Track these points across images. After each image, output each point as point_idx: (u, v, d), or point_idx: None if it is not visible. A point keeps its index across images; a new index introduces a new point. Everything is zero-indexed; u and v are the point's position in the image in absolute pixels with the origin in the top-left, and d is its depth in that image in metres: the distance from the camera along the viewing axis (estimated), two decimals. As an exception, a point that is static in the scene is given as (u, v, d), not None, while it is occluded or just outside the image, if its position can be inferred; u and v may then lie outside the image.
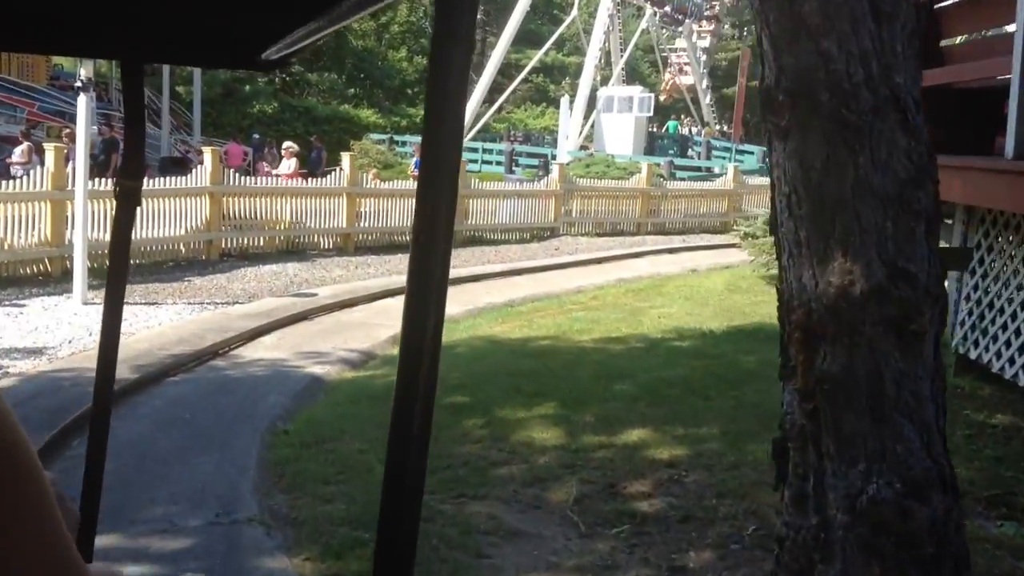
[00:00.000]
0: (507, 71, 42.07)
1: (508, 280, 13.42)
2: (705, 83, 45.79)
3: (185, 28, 1.16)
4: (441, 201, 0.68)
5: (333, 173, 16.26)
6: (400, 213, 16.76)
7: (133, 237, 1.38)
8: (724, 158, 38.26)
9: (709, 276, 14.01)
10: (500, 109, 43.25)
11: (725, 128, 45.58)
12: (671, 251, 16.71)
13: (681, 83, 45.26)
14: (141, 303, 10.63)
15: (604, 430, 5.57)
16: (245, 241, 14.67)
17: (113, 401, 1.57)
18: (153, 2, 1.03)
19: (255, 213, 14.72)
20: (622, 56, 40.48)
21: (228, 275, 12.92)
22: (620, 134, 36.43)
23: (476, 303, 11.53)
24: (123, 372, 7.12)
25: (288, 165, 17.88)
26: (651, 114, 37.91)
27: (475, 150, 35.70)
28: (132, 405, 6.54)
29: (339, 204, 15.89)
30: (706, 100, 45.53)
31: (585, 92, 36.62)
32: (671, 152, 38.80)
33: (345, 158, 16.48)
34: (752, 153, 37.31)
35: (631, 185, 21.26)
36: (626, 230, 20.83)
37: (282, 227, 15.16)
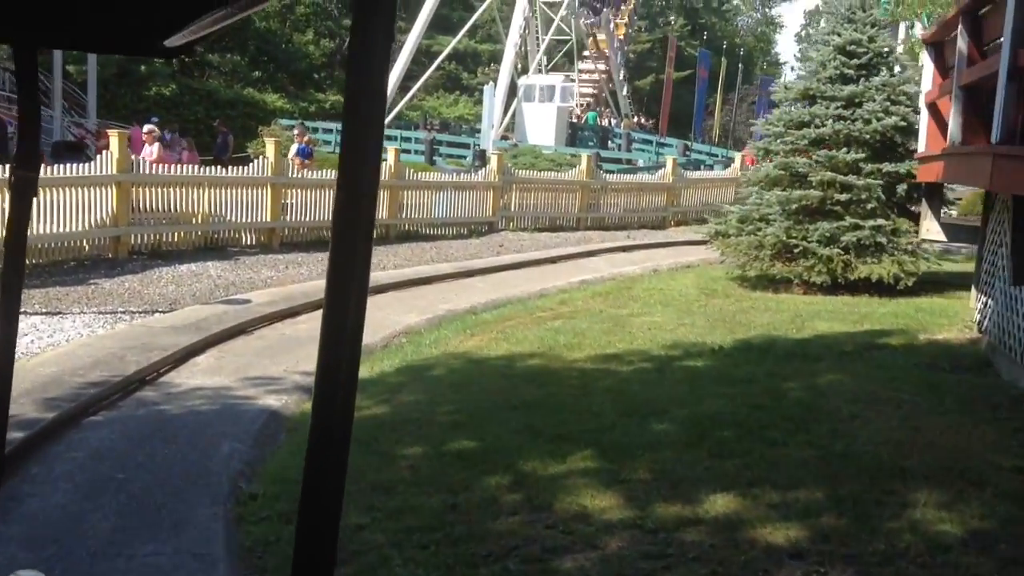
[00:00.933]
0: (419, 58, 40.51)
1: (461, 282, 12.15)
2: (622, 74, 45.21)
3: (84, 10, 1.11)
4: (363, 192, 0.66)
5: (256, 161, 14.63)
6: (329, 206, 15.27)
7: (28, 233, 1.30)
8: (645, 151, 37.78)
9: (675, 277, 13.05)
10: (412, 97, 41.64)
11: (642, 120, 45.07)
12: (624, 249, 15.72)
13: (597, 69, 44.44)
14: (42, 312, 8.97)
15: (673, 494, 4.41)
16: (157, 237, 12.97)
17: (6, 448, 1.24)
18: None
19: (168, 205, 13.04)
20: (540, 44, 39.43)
21: (141, 277, 11.27)
22: (542, 124, 35.39)
23: (434, 310, 10.24)
24: (27, 408, 5.60)
25: (150, 151, 14.99)
26: (573, 104, 36.99)
27: (393, 139, 34.12)
28: (45, 459, 5.06)
29: (263, 195, 14.31)
30: (623, 92, 44.95)
31: (505, 80, 35.38)
32: (591, 144, 38.03)
33: (268, 144, 14.88)
34: (671, 146, 36.85)
35: (571, 178, 20.19)
36: (566, 225, 19.77)
37: (198, 221, 13.50)
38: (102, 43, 1.28)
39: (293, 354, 7.93)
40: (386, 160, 17.02)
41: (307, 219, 14.98)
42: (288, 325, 9.16)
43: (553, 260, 14.11)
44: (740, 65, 48.34)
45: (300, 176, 15.07)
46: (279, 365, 7.55)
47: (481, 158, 23.98)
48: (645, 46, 57.75)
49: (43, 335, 8.09)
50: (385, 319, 9.39)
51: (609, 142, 38.24)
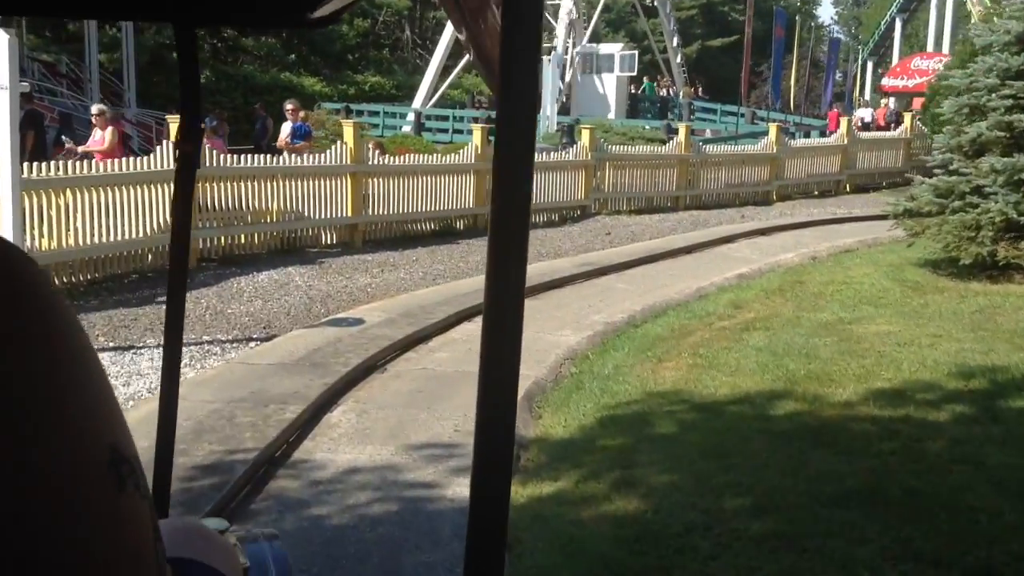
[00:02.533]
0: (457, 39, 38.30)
1: (595, 283, 10.06)
2: (676, 41, 42.70)
3: None
4: (519, 185, 0.62)
5: (333, 148, 12.58)
6: (413, 196, 13.24)
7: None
8: (708, 120, 35.40)
9: (847, 265, 10.88)
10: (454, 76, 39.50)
11: (699, 89, 42.56)
12: (763, 232, 13.51)
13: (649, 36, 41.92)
14: (109, 347, 7.02)
15: None
16: (229, 240, 11.00)
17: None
18: None
19: (237, 202, 11.05)
20: (595, 9, 37.01)
21: (217, 290, 9.30)
22: (601, 96, 33.12)
23: (587, 323, 8.17)
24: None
25: (103, 137, 12.04)
26: (634, 73, 34.66)
27: (445, 118, 32.03)
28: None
29: (342, 187, 12.30)
30: (677, 60, 42.45)
31: (560, 50, 33.06)
32: (650, 115, 35.74)
33: (347, 128, 12.81)
34: (738, 114, 34.41)
35: (667, 151, 17.99)
36: (663, 205, 17.63)
37: (272, 219, 11.51)
38: (252, 18, 1.29)
39: (451, 400, 5.89)
40: (471, 141, 14.97)
41: (390, 212, 12.96)
42: (423, 355, 7.12)
43: (688, 250, 11.97)
44: (797, 28, 45.60)
45: (380, 163, 13.01)
46: (443, 420, 5.51)
47: (569, 133, 21.78)
48: (690, 12, 55.23)
49: (117, 382, 6.13)
50: (536, 339, 7.35)
51: (669, 113, 35.92)
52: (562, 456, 4.97)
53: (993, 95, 9.29)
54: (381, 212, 12.85)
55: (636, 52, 34.79)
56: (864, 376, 6.11)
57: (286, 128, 14.11)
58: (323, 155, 12.35)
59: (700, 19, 58.36)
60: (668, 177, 17.73)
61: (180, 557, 0.75)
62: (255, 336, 7.61)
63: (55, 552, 0.36)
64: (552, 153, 16.61)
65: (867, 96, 46.84)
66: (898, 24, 49.89)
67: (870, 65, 49.28)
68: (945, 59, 41.23)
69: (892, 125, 27.94)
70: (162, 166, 9.85)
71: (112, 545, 0.39)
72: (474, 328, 7.96)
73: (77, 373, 0.40)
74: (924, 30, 54.92)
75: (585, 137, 16.42)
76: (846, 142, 21.14)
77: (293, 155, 12.31)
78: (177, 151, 1.29)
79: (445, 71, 36.38)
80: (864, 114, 26.56)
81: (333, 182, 12.19)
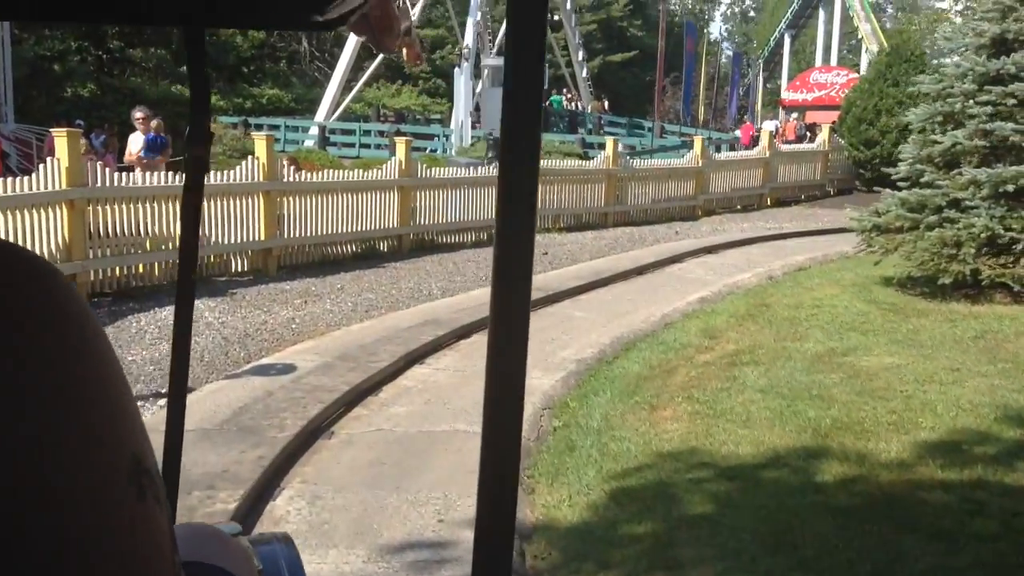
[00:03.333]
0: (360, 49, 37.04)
1: (550, 312, 9.06)
2: (581, 55, 42.36)
3: None
4: (523, 200, 0.63)
5: (243, 164, 11.24)
6: (333, 216, 12.01)
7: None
8: (617, 135, 34.99)
9: (810, 286, 10.18)
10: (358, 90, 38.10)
11: (606, 103, 42.25)
12: (708, 250, 12.74)
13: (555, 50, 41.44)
14: None
15: None
16: (124, 270, 9.56)
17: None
18: None
19: (132, 227, 9.63)
20: (501, 24, 36.23)
21: (114, 331, 7.91)
22: (511, 110, 32.16)
23: (555, 361, 7.15)
24: None
25: None
26: (544, 87, 33.91)
27: (351, 132, 30.63)
28: None
29: (254, 207, 10.99)
30: (583, 74, 42.11)
31: (468, 64, 32.13)
32: (558, 129, 35.11)
33: (259, 142, 11.49)
34: (644, 129, 34.10)
35: (596, 166, 17.18)
36: (592, 222, 16.81)
37: (173, 245, 10.10)
38: (260, 20, 1.29)
39: (423, 475, 4.76)
40: (394, 156, 13.79)
41: (308, 234, 11.70)
42: (375, 410, 5.96)
43: (639, 271, 11.10)
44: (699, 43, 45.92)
45: (298, 180, 11.72)
46: (420, 506, 4.38)
47: (495, 148, 20.77)
48: (590, 27, 55.18)
49: None
50: (503, 384, 6.25)
51: (579, 127, 35.39)
52: (580, 551, 3.91)
53: (971, 101, 8.71)
54: (298, 234, 11.57)
55: (545, 65, 34.06)
56: (901, 425, 5.26)
57: (136, 141, 12.32)
58: (232, 172, 11.00)
59: (599, 34, 58.38)
60: (596, 193, 16.93)
61: (196, 561, 0.73)
62: (164, 391, 6.30)
63: (78, 559, 0.37)
64: (480, 168, 15.56)
65: (758, 110, 47.46)
66: (787, 40, 50.94)
67: (760, 80, 50.09)
68: (845, 72, 42.24)
69: (804, 139, 27.98)
70: (46, 186, 8.40)
71: (133, 553, 0.39)
72: (428, 373, 6.84)
73: (102, 383, 0.41)
74: (811, 45, 56.39)
75: (512, 151, 15.41)
76: (768, 155, 20.80)
77: (149, 173, 10.55)
78: (186, 155, 1.27)
79: (348, 85, 35.03)
80: (770, 127, 26.53)
81: (244, 202, 10.87)
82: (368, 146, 29.97)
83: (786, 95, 43.69)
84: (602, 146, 31.76)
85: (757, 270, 11.13)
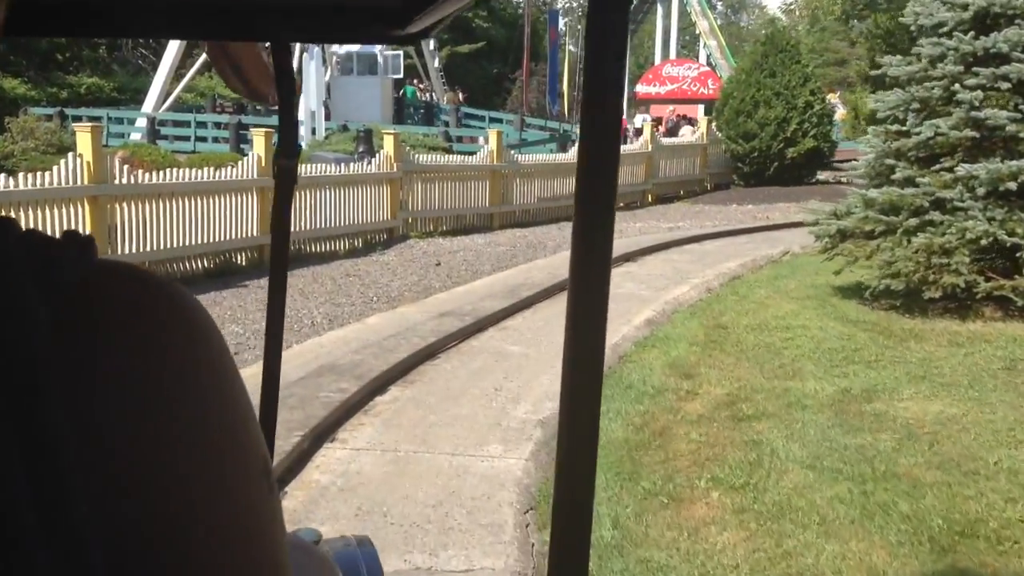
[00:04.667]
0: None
1: (478, 346, 7.26)
2: (432, 45, 40.48)
3: (333, 3, 1.16)
4: (603, 203, 0.58)
5: (63, 163, 8.80)
6: (179, 225, 9.76)
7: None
8: (476, 127, 33.45)
9: (767, 301, 8.80)
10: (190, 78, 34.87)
11: (461, 95, 40.56)
12: (628, 258, 11.18)
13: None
14: None
15: None
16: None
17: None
18: None
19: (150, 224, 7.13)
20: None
21: None
22: (364, 100, 30.02)
23: (510, 421, 5.37)
24: None
25: None
26: (400, 76, 31.92)
27: (186, 124, 27.58)
28: None
29: (78, 216, 8.63)
30: (435, 64, 40.26)
31: (318, 49, 29.62)
32: (415, 120, 33.17)
33: (81, 136, 9.04)
34: (505, 122, 32.68)
35: (480, 162, 15.42)
36: (476, 224, 15.08)
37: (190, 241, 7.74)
38: (345, 35, 1.26)
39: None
40: (251, 152, 11.56)
41: (147, 249, 9.40)
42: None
43: (562, 286, 9.40)
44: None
45: (134, 182, 9.37)
46: None
47: (367, 140, 18.55)
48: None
49: None
50: (459, 467, 4.49)
51: (434, 119, 33.57)
52: None
53: (957, 85, 7.50)
54: (135, 249, 9.25)
55: (401, 53, 32.02)
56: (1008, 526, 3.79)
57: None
58: (49, 174, 8.56)
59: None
60: (480, 192, 15.19)
61: None
62: None
63: (235, 544, 0.41)
64: (351, 165, 13.49)
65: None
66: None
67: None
68: (696, 66, 42.23)
69: (676, 132, 27.18)
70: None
71: (269, 539, 0.44)
72: (346, 457, 4.89)
73: (239, 394, 0.45)
74: (648, 40, 56.80)
75: (389, 145, 13.47)
76: (650, 149, 19.65)
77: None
78: (275, 167, 1.29)
79: (178, 73, 31.81)
80: (638, 121, 25.66)
81: (64, 210, 8.49)
82: (205, 139, 27.08)
83: (640, 88, 43.30)
84: (460, 139, 30.26)
85: (692, 281, 9.68)
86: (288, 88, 1.27)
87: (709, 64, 41.53)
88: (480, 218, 15.26)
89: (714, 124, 22.41)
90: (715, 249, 11.96)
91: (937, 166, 7.70)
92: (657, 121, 33.58)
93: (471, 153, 20.38)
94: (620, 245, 12.11)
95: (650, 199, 19.66)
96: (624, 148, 20.98)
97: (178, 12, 1.12)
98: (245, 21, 1.17)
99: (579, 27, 46.77)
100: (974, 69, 7.46)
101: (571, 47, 45.31)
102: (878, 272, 7.91)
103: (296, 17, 1.18)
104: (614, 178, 0.59)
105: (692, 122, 27.17)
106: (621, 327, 7.69)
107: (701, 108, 34.47)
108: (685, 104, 36.29)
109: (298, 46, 32.12)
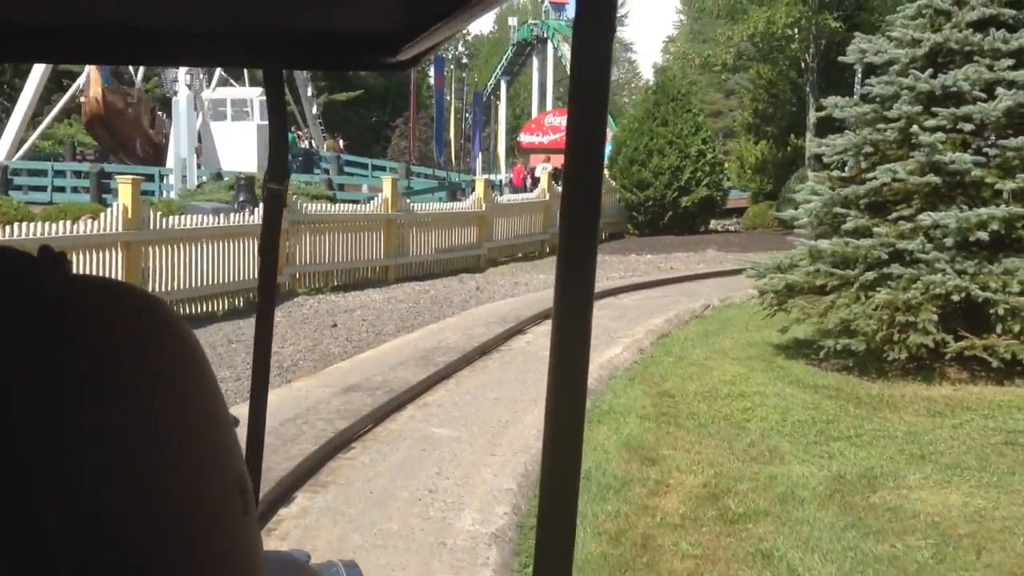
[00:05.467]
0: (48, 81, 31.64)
1: (398, 432, 6.12)
2: (311, 91, 39.23)
3: (325, 31, 1.16)
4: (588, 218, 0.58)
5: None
6: (210, 264, 8.22)
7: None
8: (359, 175, 32.32)
9: (710, 363, 8.00)
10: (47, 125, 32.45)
11: (342, 142, 39.29)
12: (545, 316, 10.22)
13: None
14: None
15: None
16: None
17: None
18: (296, 8, 1.05)
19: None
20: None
21: None
22: (238, 146, 28.41)
23: (458, 539, 4.26)
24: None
25: None
26: (278, 122, 30.33)
27: (42, 173, 25.34)
28: None
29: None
30: (313, 110, 38.96)
31: (185, 95, 27.91)
32: (294, 168, 31.71)
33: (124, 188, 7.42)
34: (389, 170, 31.61)
35: (374, 211, 14.28)
36: (369, 277, 13.91)
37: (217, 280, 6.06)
38: (337, 62, 1.27)
39: None
40: (116, 202, 10.11)
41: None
42: None
43: (482, 350, 8.37)
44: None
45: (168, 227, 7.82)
46: None
47: (248, 189, 17.04)
48: (311, 64, 52.18)
49: None
50: None
51: (315, 167, 32.22)
52: None
53: (915, 127, 6.92)
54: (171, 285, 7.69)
55: (279, 98, 30.51)
56: None
57: None
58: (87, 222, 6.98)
59: (320, 74, 55.68)
60: (375, 243, 14.05)
61: None
62: None
63: (202, 558, 0.40)
64: (231, 215, 12.13)
65: (500, 153, 46.85)
66: (503, 85, 51.06)
67: (502, 123, 49.72)
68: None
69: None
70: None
71: (242, 558, 0.43)
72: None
73: (218, 408, 0.44)
74: (524, 92, 57.18)
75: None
76: (548, 198, 18.95)
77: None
78: (265, 191, 1.31)
79: (34, 119, 29.47)
80: (545, 168, 25.01)
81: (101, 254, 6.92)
82: (63, 189, 24.93)
83: (524, 137, 43.12)
84: (343, 187, 28.98)
85: (622, 341, 8.81)
86: (279, 114, 1.30)
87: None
88: (374, 271, 14.11)
89: (607, 173, 21.94)
90: (634, 304, 11.17)
91: (894, 214, 7.09)
92: (532, 172, 33.22)
93: (355, 201, 19.25)
94: (535, 300, 11.18)
95: (548, 249, 18.90)
96: (523, 197, 20.23)
97: (170, 40, 1.15)
98: (238, 48, 1.20)
99: (464, 75, 46.39)
100: (933, 109, 6.91)
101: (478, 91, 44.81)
102: (832, 329, 7.20)
103: (288, 45, 1.18)
104: (597, 207, 0.58)
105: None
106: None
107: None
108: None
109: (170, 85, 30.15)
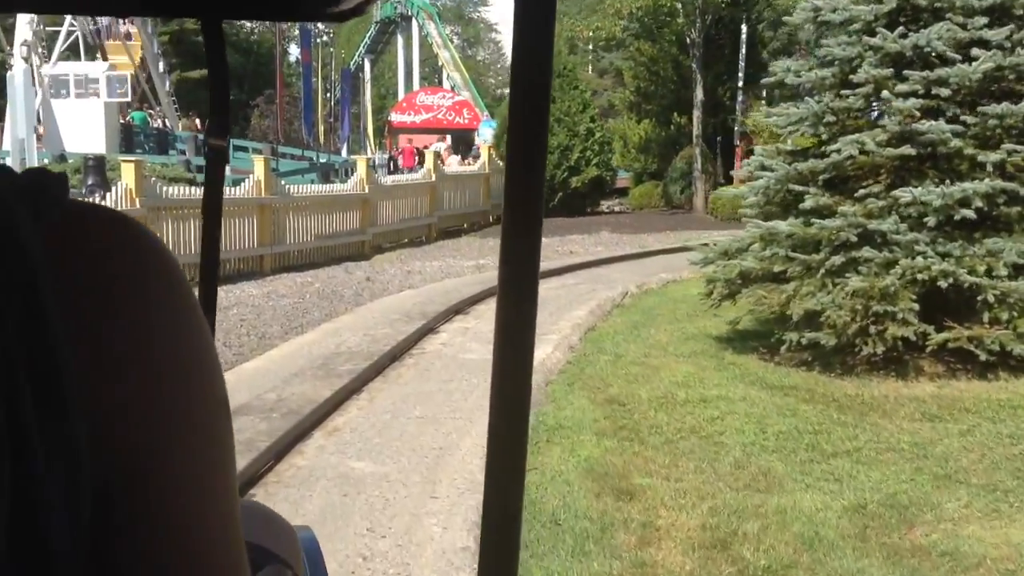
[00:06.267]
0: None
1: (305, 466, 4.90)
2: (162, 67, 36.52)
3: None
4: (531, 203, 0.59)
5: None
6: None
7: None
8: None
9: (654, 361, 7.06)
10: None
11: (198, 122, 36.73)
12: (457, 311, 9.07)
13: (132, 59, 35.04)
14: None
15: None
16: None
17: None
18: None
19: None
20: (63, 25, 29.44)
21: None
22: (84, 126, 25.87)
23: None
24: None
25: None
26: (128, 99, 27.99)
27: None
28: None
29: None
30: (165, 87, 36.31)
31: (21, 68, 25.11)
32: (147, 150, 29.27)
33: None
34: (252, 150, 29.69)
35: (245, 195, 12.75)
36: (245, 269, 12.43)
37: None
38: (276, 11, 1.26)
39: None
40: None
41: None
42: None
43: (394, 355, 7.15)
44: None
45: None
46: None
47: (98, 172, 15.00)
48: (161, 39, 49.08)
49: None
50: None
51: (169, 148, 29.89)
52: None
53: (885, 92, 6.13)
54: None
55: (128, 74, 28.10)
56: None
57: None
58: None
59: (172, 49, 52.49)
60: (247, 229, 12.55)
61: (247, 541, 0.65)
62: None
63: (200, 468, 0.42)
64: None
65: (370, 133, 45.31)
66: (367, 64, 49.59)
67: (368, 102, 48.07)
68: (451, 94, 41.07)
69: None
70: None
71: (230, 470, 0.44)
72: None
73: (204, 328, 0.45)
74: (389, 72, 55.68)
75: (129, 176, 10.58)
76: (434, 179, 17.74)
77: None
78: (206, 147, 1.27)
79: None
80: (439, 147, 23.74)
81: None
82: None
83: (395, 116, 41.61)
84: (202, 169, 26.87)
85: (549, 337, 7.76)
86: (221, 69, 1.24)
87: (454, 96, 40.60)
88: (248, 262, 12.61)
89: (492, 153, 20.89)
90: (550, 294, 10.17)
91: (861, 191, 6.30)
92: (417, 151, 31.85)
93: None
94: (439, 293, 10.03)
95: (435, 234, 17.72)
96: (408, 178, 18.91)
97: None
98: None
99: (327, 52, 44.30)
100: (904, 73, 6.15)
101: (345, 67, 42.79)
102: (793, 320, 6.39)
103: None
104: (541, 187, 0.57)
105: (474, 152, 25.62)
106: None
107: (449, 139, 33.14)
108: (440, 134, 34.89)
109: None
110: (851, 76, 6.35)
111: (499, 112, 21.50)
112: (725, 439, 5.29)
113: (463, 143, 33.87)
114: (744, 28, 21.41)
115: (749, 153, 22.14)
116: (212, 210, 1.28)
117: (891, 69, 6.18)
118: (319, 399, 5.82)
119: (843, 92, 6.44)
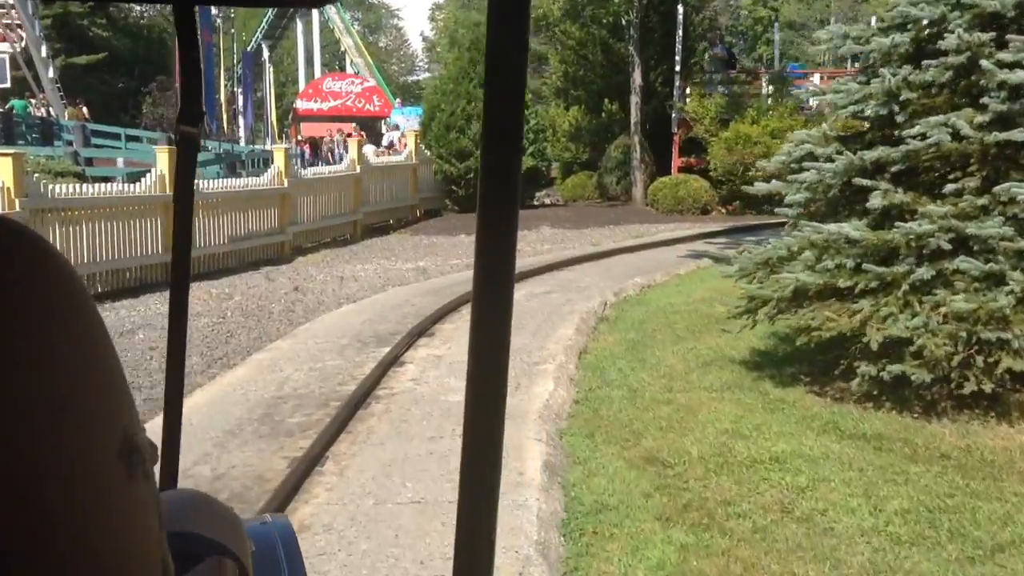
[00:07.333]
0: None
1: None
2: (45, 51, 33.48)
3: None
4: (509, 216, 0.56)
5: None
6: None
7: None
8: (115, 147, 27.68)
9: (699, 401, 5.67)
10: None
11: (85, 110, 33.82)
12: (421, 332, 7.48)
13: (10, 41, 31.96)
14: None
15: None
16: None
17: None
18: None
19: None
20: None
21: None
22: (-45, 114, 23.11)
23: None
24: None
25: None
26: (7, 85, 25.27)
27: None
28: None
29: None
30: (49, 74, 33.31)
31: None
32: (30, 140, 26.57)
33: None
34: (147, 140, 27.31)
35: (144, 192, 10.87)
36: (147, 279, 10.59)
37: None
38: None
39: None
40: None
41: None
42: None
43: (366, 395, 5.55)
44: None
45: None
46: None
47: None
48: (44, 23, 45.62)
49: None
50: None
51: (55, 139, 27.28)
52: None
53: (984, 61, 4.86)
54: None
55: (7, 59, 25.36)
56: None
57: None
58: None
59: (55, 35, 48.98)
60: (149, 233, 10.70)
61: (183, 531, 0.68)
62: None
63: (67, 534, 0.37)
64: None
65: (273, 121, 43.07)
66: (265, 50, 47.32)
67: (270, 89, 45.71)
68: (360, 80, 39.03)
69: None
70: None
71: (121, 531, 0.39)
72: None
73: (95, 354, 0.40)
74: (288, 58, 53.35)
75: (6, 172, 8.65)
76: (359, 171, 16.02)
77: None
78: (178, 134, 1.21)
79: None
80: (392, 138, 21.87)
81: None
82: None
83: (300, 104, 39.38)
84: (91, 162, 24.40)
85: (543, 368, 6.30)
86: (193, 54, 1.22)
87: (357, 84, 38.72)
88: (150, 271, 10.76)
89: (419, 142, 19.25)
90: (520, 306, 8.70)
91: (950, 186, 5.05)
92: (309, 142, 29.88)
93: (109, 179, 15.42)
94: (389, 306, 8.43)
95: (360, 232, 16.03)
96: (330, 170, 17.10)
97: None
98: None
99: (227, 35, 41.70)
100: (1007, 38, 4.92)
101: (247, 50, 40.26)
102: (863, 348, 5.10)
103: None
104: (517, 180, 0.56)
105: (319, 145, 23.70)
106: (507, 492, 4.13)
107: (354, 125, 31.38)
108: (349, 121, 33.03)
109: None
110: (930, 43, 5.09)
111: (427, 99, 19.85)
112: (833, 523, 3.95)
113: (372, 132, 32.07)
114: (680, 9, 20.28)
115: (689, 141, 21.21)
116: (185, 201, 1.21)
117: (993, 32, 4.95)
118: (271, 473, 4.24)
119: (924, 63, 5.18)
